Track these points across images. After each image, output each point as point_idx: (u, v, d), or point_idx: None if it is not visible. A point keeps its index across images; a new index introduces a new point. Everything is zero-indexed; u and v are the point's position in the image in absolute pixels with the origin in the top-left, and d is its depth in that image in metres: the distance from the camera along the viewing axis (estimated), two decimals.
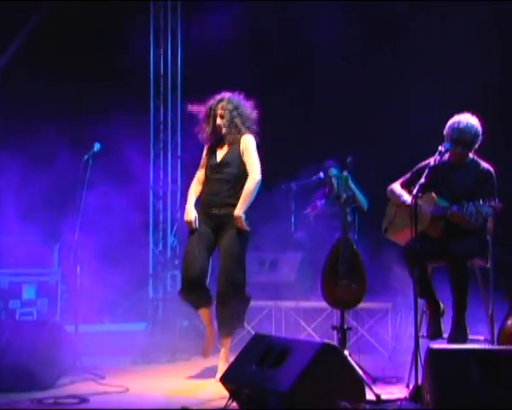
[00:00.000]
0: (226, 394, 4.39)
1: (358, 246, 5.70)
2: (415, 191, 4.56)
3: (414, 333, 4.49)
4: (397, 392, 4.76)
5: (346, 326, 5.48)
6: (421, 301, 4.98)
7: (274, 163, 8.27)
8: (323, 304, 6.11)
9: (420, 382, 4.19)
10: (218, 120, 5.57)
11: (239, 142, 5.57)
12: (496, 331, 4.91)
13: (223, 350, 5.52)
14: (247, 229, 5.46)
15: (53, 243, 8.93)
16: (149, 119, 9.94)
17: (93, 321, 8.56)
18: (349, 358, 4.69)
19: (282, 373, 4.05)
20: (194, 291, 5.51)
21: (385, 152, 7.98)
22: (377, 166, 7.59)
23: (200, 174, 5.75)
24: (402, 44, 8.38)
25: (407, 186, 5.22)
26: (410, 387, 4.54)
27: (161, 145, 10.02)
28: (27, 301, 8.26)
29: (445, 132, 5.08)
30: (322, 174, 7.81)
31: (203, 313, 5.62)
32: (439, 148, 4.87)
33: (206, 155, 5.73)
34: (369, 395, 4.32)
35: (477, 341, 4.88)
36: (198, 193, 5.71)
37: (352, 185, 6.80)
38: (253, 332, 6.77)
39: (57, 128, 8.39)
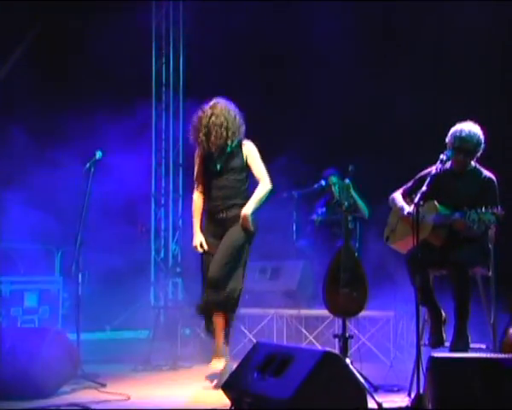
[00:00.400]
0: (228, 402, 4.39)
1: (360, 254, 5.70)
2: (416, 199, 4.56)
3: (416, 341, 4.48)
4: (398, 401, 4.75)
5: (347, 334, 5.47)
6: (422, 310, 4.98)
7: (275, 171, 8.31)
8: (325, 312, 6.11)
9: (421, 390, 4.17)
10: (212, 138, 5.47)
11: (240, 147, 5.55)
12: (497, 340, 4.90)
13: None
14: (251, 229, 5.45)
15: (54, 251, 8.95)
16: (151, 127, 9.98)
17: (94, 329, 8.58)
18: (351, 366, 4.68)
19: (284, 381, 4.04)
20: (214, 291, 5.37)
21: (386, 160, 7.98)
22: (379, 175, 7.60)
23: (198, 188, 5.70)
24: (403, 52, 8.39)
25: (409, 195, 5.23)
26: (412, 395, 4.53)
27: (163, 153, 10.06)
28: (29, 308, 8.26)
29: (447, 140, 5.08)
30: (323, 182, 7.83)
31: (217, 319, 5.47)
32: (441, 156, 4.87)
33: (200, 163, 5.66)
34: (371, 404, 4.31)
35: (479, 349, 4.87)
36: (202, 206, 5.68)
37: (354, 193, 6.81)
38: (254, 340, 6.77)
39: (58, 135, 8.42)
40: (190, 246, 5.76)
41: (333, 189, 7.73)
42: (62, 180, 8.22)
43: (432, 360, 3.94)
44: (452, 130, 5.08)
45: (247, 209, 5.44)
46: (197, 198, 5.70)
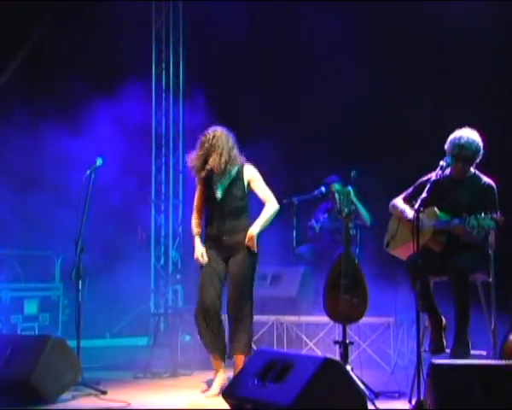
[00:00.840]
0: (228, 408, 4.39)
1: (360, 261, 5.70)
2: (416, 206, 4.57)
3: (416, 348, 4.48)
4: (399, 407, 4.75)
5: (348, 341, 5.47)
6: (423, 316, 4.98)
7: (275, 177, 8.32)
8: (325, 319, 6.10)
9: (422, 397, 4.17)
10: (213, 162, 5.49)
11: (241, 173, 5.57)
12: (498, 346, 4.90)
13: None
14: (256, 251, 5.50)
15: (55, 258, 8.95)
16: (151, 132, 9.98)
17: (95, 336, 8.57)
18: (351, 373, 4.68)
19: (284, 388, 4.04)
20: (207, 317, 5.46)
21: (388, 167, 7.99)
22: (380, 181, 7.61)
23: (198, 205, 5.73)
24: (405, 57, 8.41)
25: (409, 201, 5.23)
26: (413, 402, 4.53)
27: (163, 160, 10.06)
28: (29, 315, 8.26)
29: (446, 147, 5.09)
30: (323, 189, 7.82)
31: (215, 358, 5.55)
32: (441, 163, 4.88)
33: (201, 190, 5.68)
34: None
35: (479, 356, 4.87)
36: (200, 224, 5.72)
37: (355, 200, 6.81)
38: (254, 347, 6.76)
39: (59, 142, 8.42)
40: (190, 252, 5.78)
41: (334, 195, 7.72)
42: (62, 186, 8.24)
43: (432, 366, 3.94)
44: (451, 137, 5.08)
45: (254, 229, 5.47)
46: (196, 219, 5.75)
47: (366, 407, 4.19)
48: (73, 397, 5.26)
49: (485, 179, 5.12)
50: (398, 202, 5.34)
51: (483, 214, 4.69)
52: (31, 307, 8.32)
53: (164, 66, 10.10)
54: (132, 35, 9.02)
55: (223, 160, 5.48)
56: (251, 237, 5.45)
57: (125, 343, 9.20)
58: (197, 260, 5.60)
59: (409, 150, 8.02)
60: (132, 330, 9.42)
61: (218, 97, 8.78)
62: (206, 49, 9.40)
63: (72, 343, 5.47)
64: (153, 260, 9.92)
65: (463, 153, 5.01)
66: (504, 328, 4.97)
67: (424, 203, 4.65)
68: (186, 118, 9.95)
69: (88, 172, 5.84)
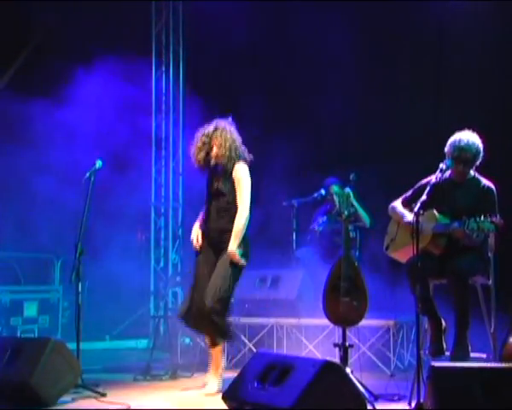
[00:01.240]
0: None
1: (360, 263, 5.70)
2: (416, 209, 4.57)
3: (416, 351, 4.48)
4: None
5: (347, 344, 5.47)
6: (423, 319, 4.98)
7: (275, 180, 8.33)
8: (325, 321, 6.08)
9: (422, 400, 4.17)
10: (214, 150, 5.58)
11: (232, 171, 5.59)
12: (498, 349, 4.90)
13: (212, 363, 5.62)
14: (244, 264, 5.55)
15: (54, 260, 8.95)
16: (151, 136, 9.99)
17: (94, 338, 8.57)
18: (351, 375, 4.69)
19: (284, 391, 4.04)
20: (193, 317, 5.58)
21: (387, 169, 8.00)
22: (379, 183, 7.61)
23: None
24: (404, 60, 8.42)
25: (408, 204, 5.24)
26: (413, 405, 4.52)
27: (163, 162, 10.07)
28: (29, 318, 8.26)
29: (446, 150, 5.09)
30: (323, 191, 7.83)
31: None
32: (440, 165, 4.88)
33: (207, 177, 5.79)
34: None
35: (479, 358, 4.86)
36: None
37: (355, 202, 6.81)
38: (254, 350, 6.76)
39: (59, 147, 8.44)
40: (190, 255, 5.80)
41: (333, 197, 7.73)
42: (60, 188, 8.24)
43: (432, 369, 3.94)
44: (451, 139, 5.08)
45: (232, 247, 5.49)
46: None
47: (366, 409, 4.18)
48: (73, 399, 5.26)
49: (485, 182, 5.12)
50: (397, 205, 5.35)
51: (482, 217, 4.69)
52: (30, 310, 8.32)
53: (164, 68, 10.12)
54: (132, 36, 9.03)
55: (225, 152, 5.52)
56: (232, 255, 5.48)
57: (125, 346, 9.20)
58: (192, 241, 5.71)
59: (408, 153, 8.03)
60: (132, 332, 9.42)
61: (219, 100, 8.79)
62: (206, 51, 9.41)
63: (71, 346, 5.46)
64: (152, 262, 9.93)
65: (463, 155, 5.01)
66: (504, 331, 4.97)
67: (424, 206, 4.65)
68: (186, 120, 9.96)
69: (87, 174, 5.84)
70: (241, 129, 5.75)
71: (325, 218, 7.86)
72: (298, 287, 7.12)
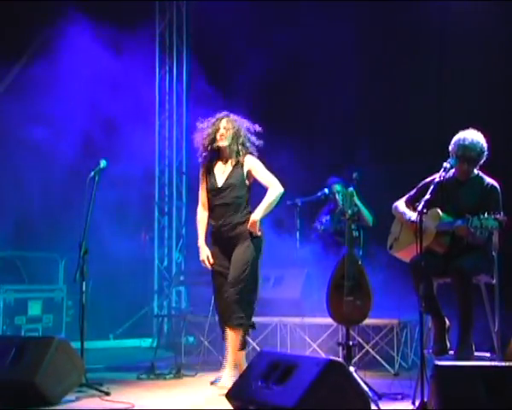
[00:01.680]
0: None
1: (363, 262, 5.70)
2: (420, 207, 4.56)
3: (420, 350, 4.48)
4: (403, 409, 4.75)
5: (351, 343, 5.47)
6: (426, 318, 4.98)
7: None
8: (329, 320, 6.10)
9: (426, 399, 4.17)
10: (220, 138, 5.57)
11: (241, 163, 5.57)
12: (502, 348, 4.90)
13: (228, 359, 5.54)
14: (259, 234, 5.50)
15: (58, 259, 8.96)
16: (154, 135, 10.00)
17: (98, 337, 8.58)
18: (354, 374, 4.68)
19: (288, 390, 4.04)
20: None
21: (390, 168, 7.99)
22: (383, 182, 7.60)
23: (202, 198, 5.77)
24: (405, 58, 8.41)
25: (412, 203, 5.23)
26: (416, 404, 4.53)
27: (166, 161, 10.07)
28: (33, 317, 8.27)
29: (450, 148, 5.08)
30: (326, 190, 7.83)
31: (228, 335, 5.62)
32: (444, 164, 4.88)
33: (203, 175, 5.72)
34: None
35: (483, 357, 4.86)
36: (206, 220, 5.74)
37: (358, 201, 6.81)
38: (258, 349, 6.76)
39: (61, 149, 8.44)
40: (194, 254, 5.79)
41: (336, 197, 7.73)
42: (66, 187, 8.25)
43: (436, 368, 3.94)
44: (455, 138, 5.08)
45: (257, 215, 5.48)
46: (200, 213, 5.77)
47: (369, 408, 4.18)
48: (77, 398, 5.27)
49: (489, 180, 5.11)
50: (400, 204, 5.34)
51: (486, 215, 4.69)
52: (35, 309, 8.33)
53: (167, 68, 10.13)
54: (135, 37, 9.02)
55: (231, 140, 5.52)
56: (253, 223, 5.45)
57: (129, 345, 9.21)
58: (203, 262, 5.64)
59: (411, 152, 8.02)
60: (136, 331, 9.43)
61: (222, 99, 8.79)
62: (209, 51, 9.41)
63: (75, 345, 5.48)
64: (156, 261, 9.93)
65: (467, 154, 5.00)
66: (508, 329, 4.97)
67: (427, 205, 4.64)
68: (189, 120, 9.96)
69: (92, 173, 5.84)
70: None
71: (328, 217, 7.86)
72: (301, 286, 7.13)
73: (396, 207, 5.37)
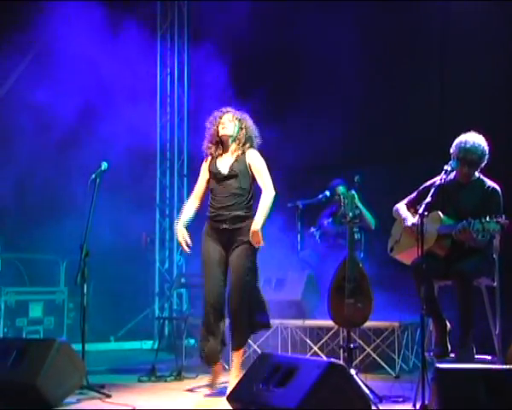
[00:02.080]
0: None
1: (365, 265, 5.70)
2: (421, 210, 4.56)
3: (421, 352, 4.48)
4: None
5: (352, 345, 5.48)
6: (427, 320, 4.98)
7: (280, 181, 8.32)
8: (330, 323, 6.10)
9: (427, 401, 4.17)
10: (226, 127, 5.58)
11: (245, 155, 5.58)
12: (503, 351, 4.89)
13: (234, 365, 5.55)
14: (263, 244, 5.49)
15: (60, 262, 8.97)
16: (155, 137, 10.01)
17: (99, 340, 8.58)
18: (355, 377, 4.69)
19: (289, 392, 4.04)
20: (214, 316, 5.53)
21: (392, 171, 7.99)
22: (384, 185, 7.60)
23: (197, 190, 5.78)
24: (410, 63, 8.41)
25: (413, 205, 5.23)
26: (417, 406, 4.53)
27: (167, 164, 10.08)
28: (34, 319, 8.27)
29: (451, 151, 5.08)
30: (328, 193, 7.83)
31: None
32: (445, 167, 4.88)
33: (207, 169, 5.70)
34: None
35: (484, 360, 4.86)
36: (193, 210, 5.74)
37: (359, 204, 6.81)
38: (259, 351, 6.76)
39: (61, 151, 8.44)
40: (195, 256, 5.78)
41: (341, 198, 7.72)
42: (66, 190, 8.26)
43: (437, 370, 3.94)
44: (457, 141, 5.08)
45: (257, 225, 5.44)
46: (190, 201, 5.80)
47: None
48: (78, 401, 5.27)
49: (490, 183, 5.11)
50: (401, 207, 5.34)
51: (488, 218, 4.68)
52: (36, 311, 8.34)
53: (169, 70, 10.14)
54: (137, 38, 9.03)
55: (236, 129, 5.56)
56: (255, 234, 5.41)
57: (130, 347, 9.21)
58: (180, 244, 5.66)
59: (413, 155, 8.02)
60: (137, 333, 9.43)
61: (224, 102, 8.79)
62: (210, 52, 9.41)
63: (76, 347, 5.48)
64: (157, 263, 9.93)
65: (468, 157, 5.00)
66: (509, 332, 4.97)
67: (428, 208, 4.65)
68: (191, 123, 9.97)
69: (93, 176, 5.85)
70: None
71: (330, 219, 7.86)
72: (302, 288, 7.13)
73: (397, 210, 5.38)
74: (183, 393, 5.72)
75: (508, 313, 5.10)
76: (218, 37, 8.86)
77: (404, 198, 5.39)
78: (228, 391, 5.22)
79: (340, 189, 7.70)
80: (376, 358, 6.51)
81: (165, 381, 6.27)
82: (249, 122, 5.69)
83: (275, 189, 5.59)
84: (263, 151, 5.76)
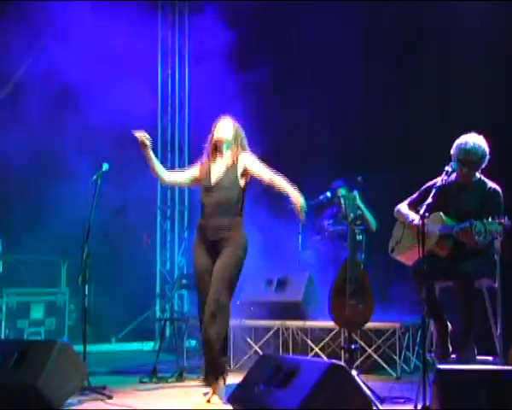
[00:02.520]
0: None
1: (366, 266, 5.70)
2: (422, 211, 4.56)
3: (422, 353, 4.48)
4: None
5: (353, 346, 5.47)
6: (429, 321, 4.98)
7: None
8: (331, 324, 6.10)
9: (428, 402, 4.17)
10: (222, 130, 5.52)
11: (236, 162, 5.46)
12: (504, 352, 4.89)
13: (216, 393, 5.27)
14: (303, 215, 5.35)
15: (61, 263, 8.98)
16: (157, 138, 10.01)
17: (100, 341, 8.59)
18: (357, 378, 4.68)
19: (290, 393, 4.04)
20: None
21: (393, 172, 7.99)
22: (386, 186, 7.61)
23: (180, 172, 5.81)
24: (408, 63, 8.41)
25: (414, 206, 5.23)
26: (419, 407, 4.52)
27: (169, 165, 10.09)
28: (35, 320, 8.28)
29: (452, 152, 5.09)
30: (329, 194, 7.83)
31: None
32: (446, 168, 4.87)
33: (200, 167, 5.61)
34: None
35: (485, 361, 4.86)
36: (167, 174, 5.70)
37: (361, 205, 6.81)
38: (260, 352, 6.77)
39: (64, 149, 8.45)
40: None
41: (341, 201, 7.72)
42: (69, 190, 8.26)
43: (438, 372, 3.94)
44: (457, 142, 5.08)
45: (298, 195, 5.32)
46: (171, 171, 5.80)
47: None
48: (80, 402, 5.28)
49: (491, 184, 5.12)
50: (403, 207, 5.35)
51: (490, 219, 4.68)
52: (37, 312, 8.34)
53: (169, 71, 10.15)
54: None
55: (230, 137, 5.49)
56: (300, 205, 5.29)
57: (131, 348, 9.22)
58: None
59: (414, 156, 8.02)
60: (138, 334, 9.44)
61: (224, 103, 8.80)
62: (211, 54, 9.42)
63: (78, 348, 5.48)
64: (158, 265, 9.95)
65: (469, 158, 5.01)
66: (510, 333, 4.97)
67: (429, 209, 4.64)
68: (192, 123, 9.99)
69: (94, 177, 5.86)
70: (246, 132, 5.75)
71: (331, 221, 7.86)
72: (304, 289, 7.13)
73: (398, 211, 5.38)
74: (184, 394, 5.72)
75: (509, 314, 5.09)
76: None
77: (405, 199, 5.40)
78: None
79: (341, 191, 7.70)
80: (377, 359, 6.51)
81: (167, 382, 6.27)
82: (242, 131, 5.60)
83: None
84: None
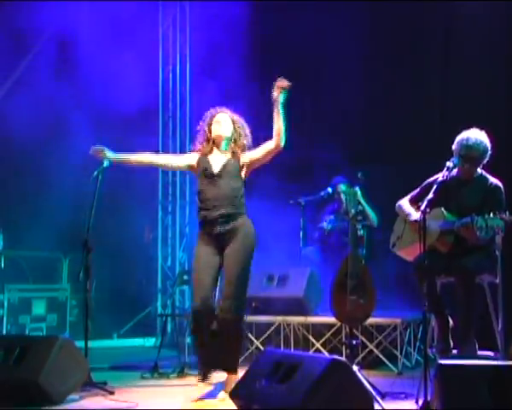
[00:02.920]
0: (236, 409, 4.39)
1: (367, 261, 5.70)
2: (423, 207, 4.56)
3: (423, 349, 4.48)
4: (406, 408, 4.76)
5: (354, 342, 5.48)
6: (430, 317, 4.98)
7: (282, 178, 8.33)
8: (332, 319, 6.11)
9: (429, 398, 4.18)
10: (222, 127, 5.43)
11: (238, 157, 5.37)
12: (505, 347, 4.90)
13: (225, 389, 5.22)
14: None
15: (62, 259, 8.98)
16: (157, 135, 10.02)
17: (102, 337, 8.60)
18: (358, 373, 4.69)
19: (291, 389, 4.05)
20: (201, 318, 5.25)
21: (394, 168, 7.99)
22: (387, 182, 7.60)
23: (170, 156, 5.87)
24: (408, 63, 8.40)
25: (415, 202, 5.23)
26: (420, 403, 4.53)
27: None
28: (37, 316, 8.29)
29: (453, 148, 5.08)
30: (330, 189, 7.83)
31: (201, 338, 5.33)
32: (448, 163, 4.87)
33: (196, 162, 5.47)
34: None
35: (486, 357, 4.86)
36: (147, 155, 5.56)
37: (362, 200, 6.82)
38: (261, 348, 6.78)
39: (64, 148, 8.45)
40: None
41: (341, 196, 7.73)
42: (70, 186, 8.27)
43: (439, 367, 3.94)
44: (459, 137, 5.07)
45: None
46: (156, 154, 5.75)
47: (373, 407, 4.19)
48: (81, 397, 5.29)
49: (492, 180, 5.11)
50: (404, 203, 5.34)
51: (491, 215, 4.68)
52: (39, 308, 8.35)
53: (171, 68, 10.14)
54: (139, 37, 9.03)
55: (229, 132, 5.43)
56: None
57: (133, 344, 9.23)
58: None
59: (415, 152, 8.01)
60: (139, 330, 9.45)
61: (225, 101, 8.79)
62: (212, 51, 9.41)
63: (79, 344, 5.49)
64: (160, 260, 9.95)
65: (471, 154, 5.00)
66: (511, 329, 4.97)
67: (431, 204, 4.64)
68: (192, 121, 9.98)
69: (95, 173, 5.85)
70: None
71: (332, 216, 7.87)
72: (305, 285, 7.13)
73: (400, 206, 5.38)
74: (185, 390, 5.72)
75: (510, 310, 5.09)
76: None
77: (406, 195, 5.39)
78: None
79: (341, 187, 7.70)
80: (379, 354, 6.51)
81: (168, 378, 6.29)
82: (241, 124, 5.49)
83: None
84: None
